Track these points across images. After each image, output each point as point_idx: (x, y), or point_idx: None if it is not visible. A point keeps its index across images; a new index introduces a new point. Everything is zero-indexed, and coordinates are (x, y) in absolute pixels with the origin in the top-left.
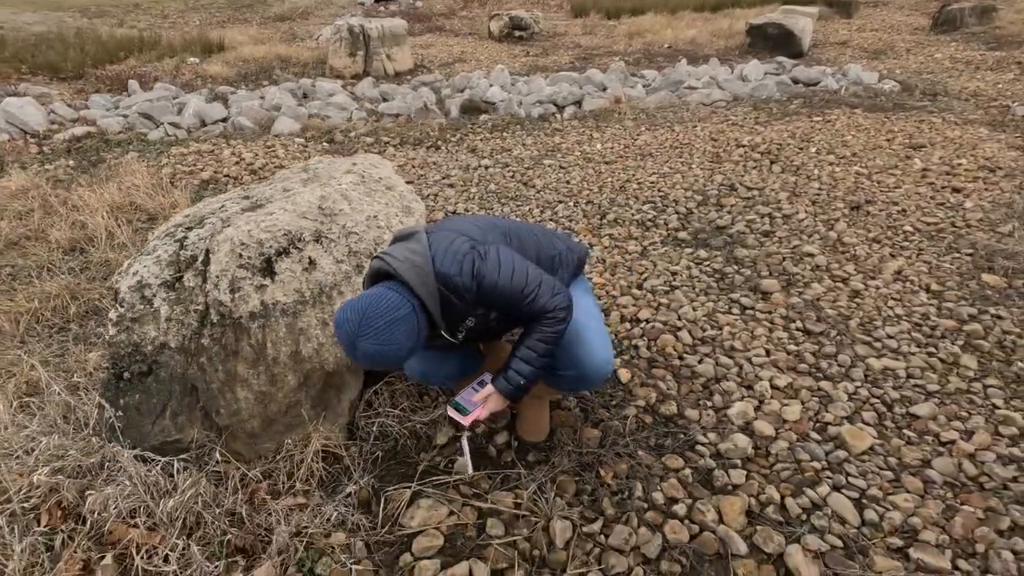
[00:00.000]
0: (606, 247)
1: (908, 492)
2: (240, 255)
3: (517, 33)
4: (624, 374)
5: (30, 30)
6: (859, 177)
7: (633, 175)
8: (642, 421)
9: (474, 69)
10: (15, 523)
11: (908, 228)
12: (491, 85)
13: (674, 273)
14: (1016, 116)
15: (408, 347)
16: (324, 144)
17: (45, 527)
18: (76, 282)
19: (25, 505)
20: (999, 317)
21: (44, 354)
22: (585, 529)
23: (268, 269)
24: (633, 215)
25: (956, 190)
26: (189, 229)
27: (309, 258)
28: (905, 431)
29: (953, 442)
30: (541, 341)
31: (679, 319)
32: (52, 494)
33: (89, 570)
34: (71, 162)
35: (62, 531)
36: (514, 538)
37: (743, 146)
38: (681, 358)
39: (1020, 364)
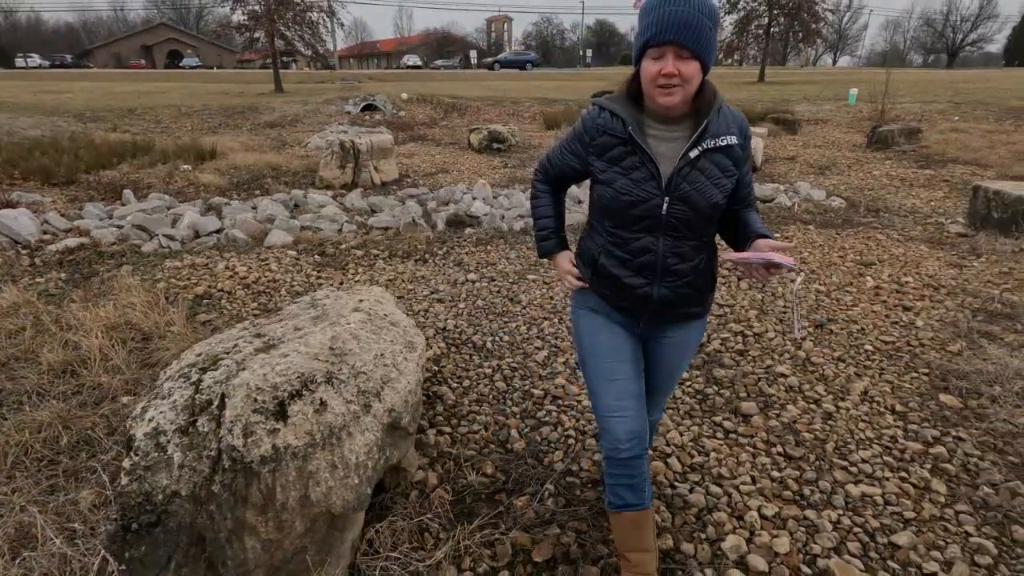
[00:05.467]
0: None
1: None
2: (255, 399)
3: (495, 145)
4: None
5: (24, 134)
6: (819, 295)
7: None
8: None
9: (457, 181)
10: None
11: (868, 347)
12: (474, 199)
13: None
14: (950, 233)
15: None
16: (316, 256)
17: None
18: (67, 408)
19: None
20: (960, 439)
21: (33, 492)
22: None
23: (281, 412)
24: None
25: (907, 308)
26: (204, 371)
27: (320, 399)
28: (889, 562)
29: (935, 574)
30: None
31: (667, 444)
32: None
33: None
34: (63, 275)
35: None
36: None
37: None
38: (672, 486)
39: (985, 488)
